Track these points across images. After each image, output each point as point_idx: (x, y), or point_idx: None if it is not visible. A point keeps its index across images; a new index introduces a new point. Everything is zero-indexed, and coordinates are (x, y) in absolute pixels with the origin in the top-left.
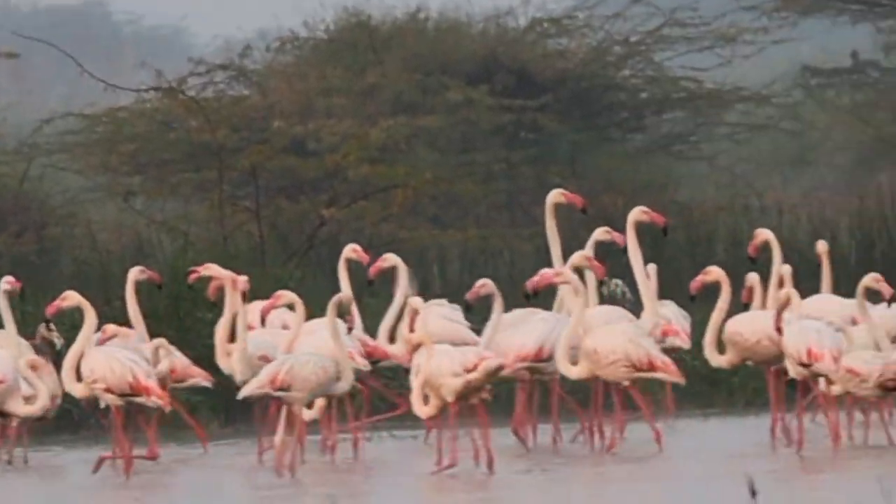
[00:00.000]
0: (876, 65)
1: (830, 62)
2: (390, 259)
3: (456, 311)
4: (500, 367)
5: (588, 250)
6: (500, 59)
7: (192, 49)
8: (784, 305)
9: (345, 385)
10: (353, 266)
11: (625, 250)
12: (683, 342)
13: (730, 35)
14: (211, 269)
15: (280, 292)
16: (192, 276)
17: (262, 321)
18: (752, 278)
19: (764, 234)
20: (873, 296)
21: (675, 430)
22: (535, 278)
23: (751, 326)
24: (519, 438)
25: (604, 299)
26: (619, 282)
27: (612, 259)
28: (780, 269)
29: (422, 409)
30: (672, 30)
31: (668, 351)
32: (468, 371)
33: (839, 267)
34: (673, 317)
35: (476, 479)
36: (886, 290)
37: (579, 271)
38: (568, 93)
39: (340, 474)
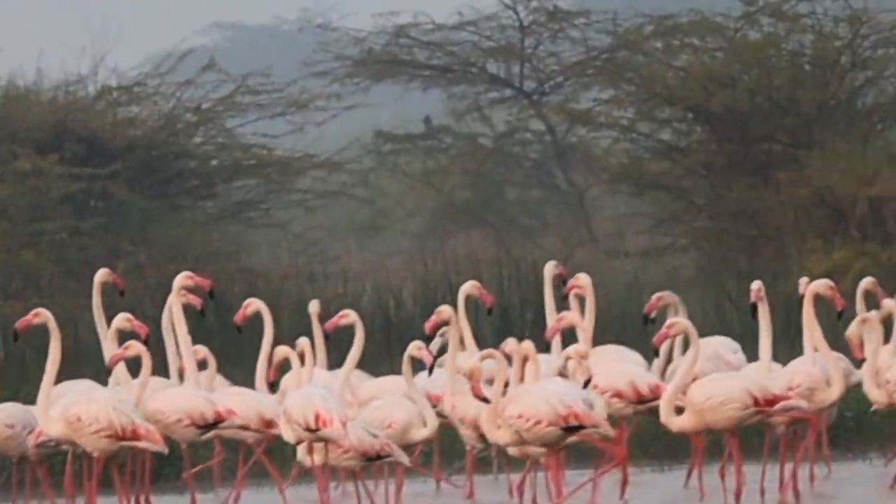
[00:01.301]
0: (448, 130)
1: (404, 128)
2: None
3: None
4: None
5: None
6: (70, 127)
7: None
8: (279, 363)
9: None
10: None
11: (202, 312)
12: None
13: (301, 101)
14: None
15: None
16: None
17: None
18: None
19: (255, 303)
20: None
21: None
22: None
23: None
24: None
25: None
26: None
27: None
28: (267, 341)
29: None
30: (244, 97)
31: None
32: None
33: (407, 332)
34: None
35: None
36: (427, 357)
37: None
38: (138, 160)
39: None
